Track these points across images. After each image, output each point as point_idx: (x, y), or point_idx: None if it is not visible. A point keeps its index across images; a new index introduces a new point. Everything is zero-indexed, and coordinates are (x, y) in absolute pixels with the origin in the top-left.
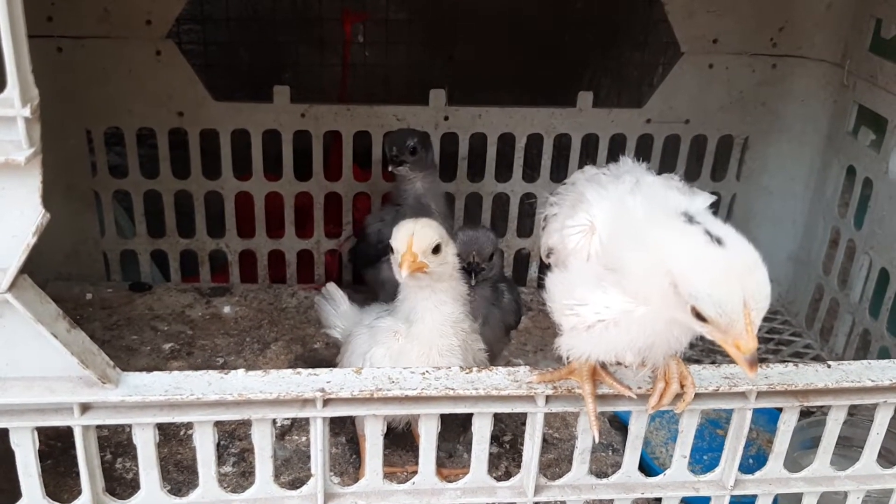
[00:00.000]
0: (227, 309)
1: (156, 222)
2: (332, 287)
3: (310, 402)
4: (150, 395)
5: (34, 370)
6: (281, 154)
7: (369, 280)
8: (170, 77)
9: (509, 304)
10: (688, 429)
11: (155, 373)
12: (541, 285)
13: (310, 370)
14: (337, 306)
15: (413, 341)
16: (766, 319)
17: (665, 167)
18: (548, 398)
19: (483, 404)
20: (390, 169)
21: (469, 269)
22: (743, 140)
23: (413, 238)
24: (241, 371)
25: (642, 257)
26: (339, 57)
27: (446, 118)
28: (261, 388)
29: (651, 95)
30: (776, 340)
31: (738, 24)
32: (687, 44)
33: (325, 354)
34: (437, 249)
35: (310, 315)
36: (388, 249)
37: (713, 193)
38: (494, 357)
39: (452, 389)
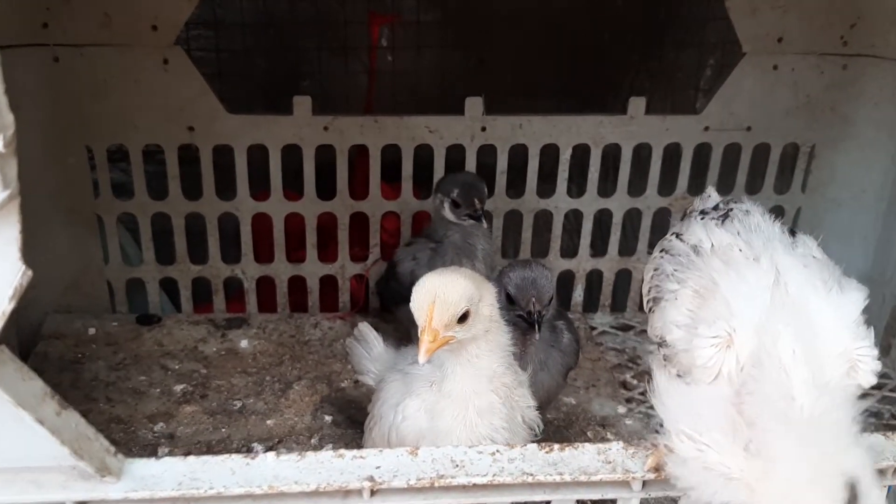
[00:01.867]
0: (244, 343)
1: (165, 248)
2: (364, 328)
3: (354, 493)
4: (159, 489)
5: (17, 459)
6: (301, 170)
7: (400, 317)
8: (178, 88)
9: (569, 344)
10: None
11: (166, 460)
12: (587, 309)
13: (355, 452)
14: (370, 349)
15: (446, 399)
16: None
17: (724, 178)
18: (645, 483)
19: (566, 490)
20: (465, 221)
21: (530, 320)
22: (809, 148)
23: (434, 308)
24: (270, 456)
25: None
26: (365, 63)
27: (483, 129)
28: (296, 478)
29: (708, 100)
30: None
31: (805, 22)
32: (749, 43)
33: (354, 395)
34: (465, 316)
35: (335, 348)
36: None
37: (776, 207)
38: (549, 403)
39: (531, 475)
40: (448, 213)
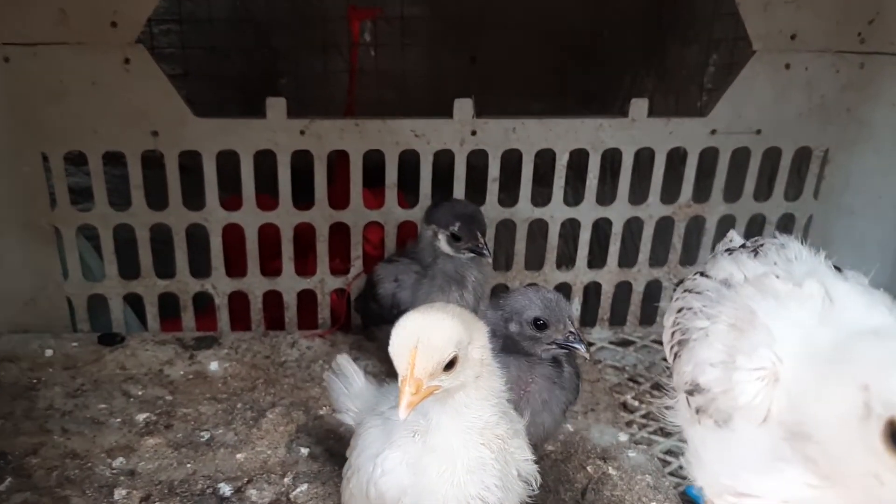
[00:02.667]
0: (213, 365)
1: (129, 261)
2: (343, 361)
3: None
4: None
5: None
6: (276, 176)
7: (380, 339)
8: (141, 89)
9: (570, 378)
10: None
11: None
12: (585, 323)
13: None
14: (349, 384)
15: (431, 453)
16: None
17: (731, 185)
18: None
19: None
20: (464, 255)
21: (577, 340)
22: (823, 152)
23: (417, 355)
24: None
25: (834, 395)
26: (345, 62)
27: (474, 133)
28: None
29: (715, 102)
30: None
31: (820, 18)
32: (760, 40)
33: (333, 423)
34: (452, 362)
35: (313, 370)
36: (400, 315)
37: (786, 215)
38: (546, 441)
39: None
40: (444, 246)
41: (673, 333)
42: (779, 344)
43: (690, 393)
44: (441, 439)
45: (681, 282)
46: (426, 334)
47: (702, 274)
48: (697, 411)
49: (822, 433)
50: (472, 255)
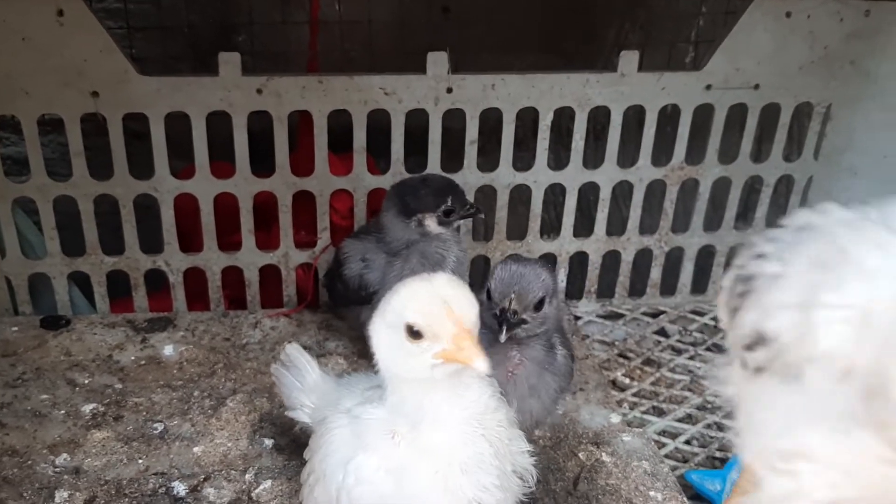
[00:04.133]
0: (168, 349)
1: (73, 236)
2: (293, 351)
3: None
4: None
5: None
6: (232, 141)
7: (349, 319)
8: (78, 45)
9: (564, 363)
10: None
11: None
12: (571, 295)
13: None
14: (302, 377)
15: (419, 455)
16: None
17: (726, 145)
18: None
19: None
20: (437, 232)
21: (500, 319)
22: (825, 109)
23: (462, 311)
24: None
25: None
26: (307, 12)
27: (449, 90)
28: None
29: (709, 54)
30: None
31: None
32: None
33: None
34: None
35: (278, 354)
36: (371, 298)
37: (784, 177)
38: (534, 430)
39: None
40: (435, 228)
41: (733, 287)
42: (876, 281)
43: (750, 348)
44: (434, 435)
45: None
46: (457, 291)
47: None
48: (757, 371)
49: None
50: (468, 219)
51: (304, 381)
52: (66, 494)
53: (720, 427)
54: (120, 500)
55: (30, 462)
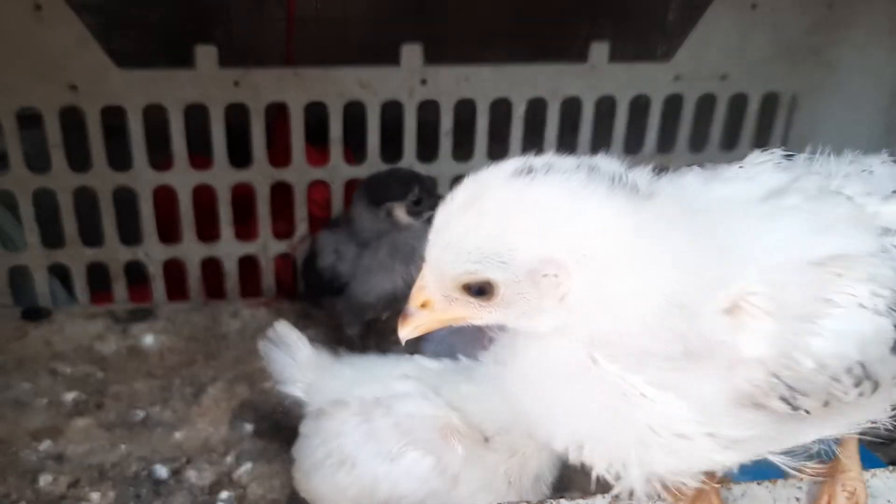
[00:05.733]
0: (149, 339)
1: (52, 229)
2: (282, 328)
3: None
4: None
5: None
6: (210, 133)
7: (327, 308)
8: (56, 39)
9: None
10: None
11: None
12: None
13: None
14: (293, 353)
15: (490, 459)
16: None
17: (696, 134)
18: None
19: None
20: (407, 223)
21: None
22: (790, 98)
23: None
24: None
25: None
26: (284, 9)
27: (423, 81)
28: None
29: (677, 45)
30: None
31: None
32: None
33: (279, 398)
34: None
35: (258, 341)
36: (343, 289)
37: None
38: None
39: None
40: (404, 218)
41: None
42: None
43: None
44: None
45: None
46: None
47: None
48: None
49: None
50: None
51: (297, 357)
52: (49, 478)
53: None
54: (103, 483)
55: (13, 449)
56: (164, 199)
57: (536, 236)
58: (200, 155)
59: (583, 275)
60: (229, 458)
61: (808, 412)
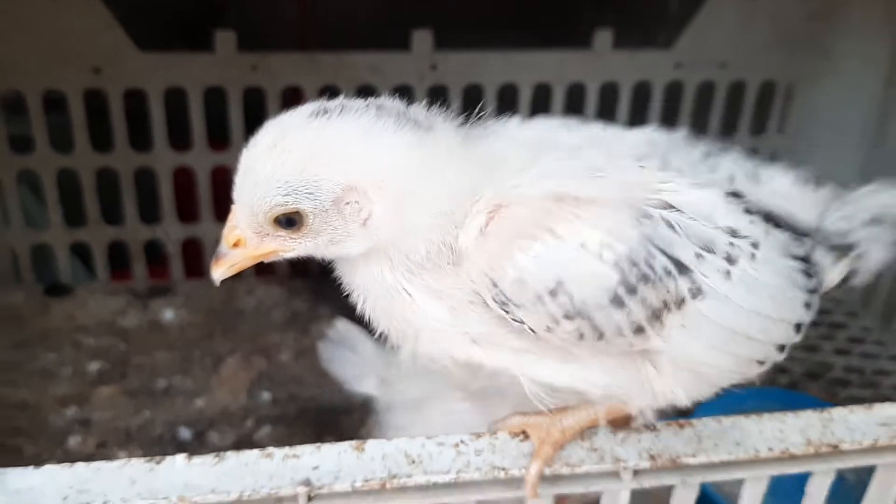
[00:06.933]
0: (168, 314)
1: (75, 208)
2: (342, 325)
3: (288, 500)
4: None
5: None
6: (227, 117)
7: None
8: (79, 22)
9: None
10: None
11: (48, 468)
12: None
13: (286, 451)
14: (357, 350)
15: None
16: None
17: (696, 120)
18: (637, 472)
19: (545, 485)
20: None
21: None
22: (787, 86)
23: None
24: (180, 459)
25: None
26: None
27: (434, 67)
28: (213, 486)
29: (678, 33)
30: (827, 323)
31: None
32: None
33: (296, 370)
34: None
35: (273, 316)
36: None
37: (751, 150)
38: None
39: (502, 469)
40: None
41: None
42: None
43: None
44: None
45: None
46: None
47: None
48: None
49: None
50: None
51: (364, 354)
52: (78, 439)
53: None
54: (129, 444)
55: (41, 414)
56: (183, 179)
57: (338, 168)
58: (217, 139)
59: (381, 200)
60: (249, 423)
61: (533, 331)
